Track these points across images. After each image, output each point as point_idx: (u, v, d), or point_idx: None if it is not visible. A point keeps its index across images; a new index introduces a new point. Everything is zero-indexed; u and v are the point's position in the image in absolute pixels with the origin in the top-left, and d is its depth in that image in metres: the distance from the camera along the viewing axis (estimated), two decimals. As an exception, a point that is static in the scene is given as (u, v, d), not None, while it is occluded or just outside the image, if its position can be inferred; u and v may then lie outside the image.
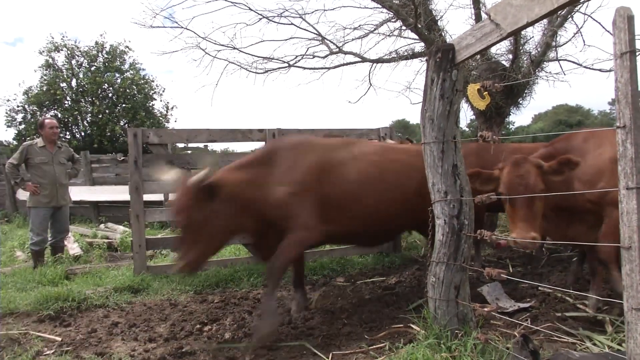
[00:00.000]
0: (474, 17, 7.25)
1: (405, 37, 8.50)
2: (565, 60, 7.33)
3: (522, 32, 7.41)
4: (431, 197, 3.06)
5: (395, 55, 8.42)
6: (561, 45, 7.57)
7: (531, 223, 3.16)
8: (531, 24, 2.22)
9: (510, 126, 47.43)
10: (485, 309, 2.67)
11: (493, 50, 7.99)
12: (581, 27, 7.29)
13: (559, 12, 7.09)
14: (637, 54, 1.66)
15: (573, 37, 7.40)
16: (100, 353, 3.25)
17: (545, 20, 7.22)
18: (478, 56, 7.53)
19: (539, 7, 2.11)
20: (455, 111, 2.92)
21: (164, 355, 3.19)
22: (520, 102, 7.61)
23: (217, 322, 4.00)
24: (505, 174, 3.38)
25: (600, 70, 7.33)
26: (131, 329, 3.85)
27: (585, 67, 7.30)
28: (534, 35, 7.70)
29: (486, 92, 2.79)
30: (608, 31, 6.81)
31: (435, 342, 2.90)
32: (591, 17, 7.04)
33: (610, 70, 7.43)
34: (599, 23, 7.10)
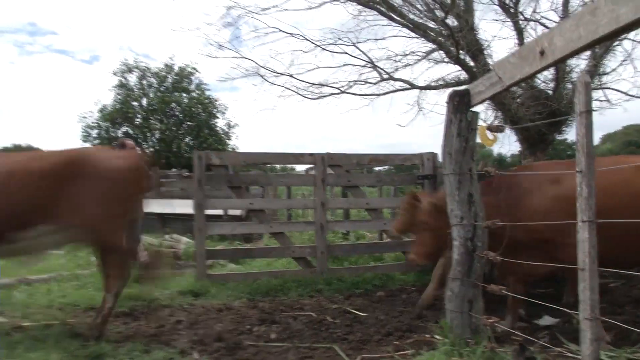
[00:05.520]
0: (517, 47, 7.57)
1: (453, 64, 8.90)
2: (609, 88, 7.49)
3: (567, 61, 7.63)
4: (450, 221, 3.50)
5: (443, 82, 8.83)
6: (607, 74, 7.73)
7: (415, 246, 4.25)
8: (524, 79, 2.66)
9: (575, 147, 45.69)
10: (489, 321, 3.06)
11: (541, 77, 8.25)
12: (629, 56, 7.43)
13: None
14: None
15: (619, 65, 7.55)
16: (167, 344, 3.88)
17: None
18: (523, 84, 7.81)
19: (528, 67, 2.55)
20: (471, 147, 3.36)
21: (219, 348, 3.79)
22: (564, 129, 7.80)
23: (265, 324, 4.56)
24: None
25: (646, 98, 7.45)
26: (192, 326, 4.47)
27: (630, 95, 7.42)
28: (580, 63, 7.92)
29: (494, 133, 3.22)
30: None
31: (450, 348, 3.31)
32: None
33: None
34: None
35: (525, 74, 2.58)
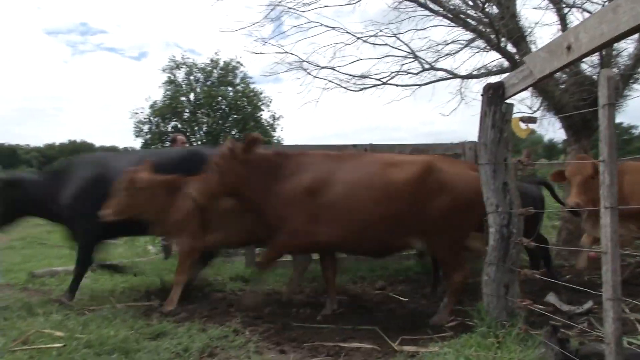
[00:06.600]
0: (561, 34, 7.47)
1: (495, 51, 8.83)
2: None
3: (615, 45, 7.47)
4: (486, 209, 3.64)
5: (485, 71, 8.79)
6: (657, 57, 7.49)
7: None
8: (553, 72, 2.78)
9: (634, 131, 43.98)
10: (524, 303, 3.21)
11: (588, 61, 8.09)
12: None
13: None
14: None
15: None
16: (221, 323, 4.21)
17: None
18: (567, 69, 7.70)
19: (556, 61, 2.67)
20: (505, 138, 3.48)
21: (268, 328, 4.10)
22: (611, 114, 7.65)
23: (311, 307, 4.84)
24: None
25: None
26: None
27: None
28: (628, 47, 7.70)
29: (526, 125, 3.34)
30: None
31: (486, 330, 3.48)
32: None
33: None
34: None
35: (554, 67, 2.70)
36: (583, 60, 6.98)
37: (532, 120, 3.32)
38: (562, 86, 7.69)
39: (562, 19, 7.35)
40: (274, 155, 4.64)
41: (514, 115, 3.45)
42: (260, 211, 4.49)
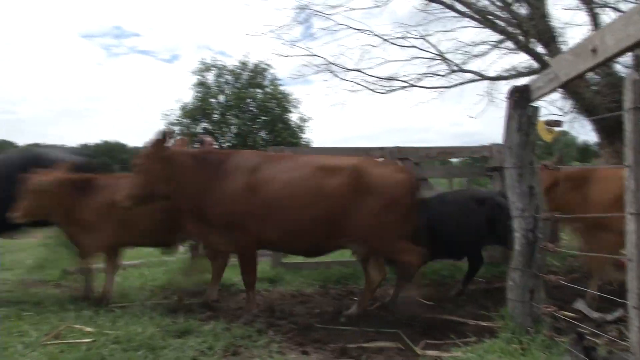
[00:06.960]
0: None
1: (524, 53, 8.70)
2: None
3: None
4: (512, 213, 3.60)
5: (514, 72, 8.67)
6: (695, 57, 7.25)
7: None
8: (579, 76, 2.74)
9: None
10: (549, 309, 3.16)
11: (621, 62, 7.89)
12: None
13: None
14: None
15: None
16: (246, 323, 4.28)
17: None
18: (599, 70, 7.53)
19: (582, 64, 2.63)
20: (532, 141, 3.44)
21: (291, 328, 4.15)
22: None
23: (335, 309, 4.86)
24: None
25: None
26: (268, 309, 4.85)
27: None
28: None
29: (552, 128, 3.29)
30: None
31: (510, 336, 3.44)
32: None
33: None
34: None
35: (579, 70, 2.66)
36: (615, 61, 6.83)
37: (557, 123, 3.28)
38: (594, 88, 7.54)
39: (594, 19, 7.20)
40: (203, 153, 4.64)
41: (540, 118, 3.40)
42: (196, 211, 4.43)
